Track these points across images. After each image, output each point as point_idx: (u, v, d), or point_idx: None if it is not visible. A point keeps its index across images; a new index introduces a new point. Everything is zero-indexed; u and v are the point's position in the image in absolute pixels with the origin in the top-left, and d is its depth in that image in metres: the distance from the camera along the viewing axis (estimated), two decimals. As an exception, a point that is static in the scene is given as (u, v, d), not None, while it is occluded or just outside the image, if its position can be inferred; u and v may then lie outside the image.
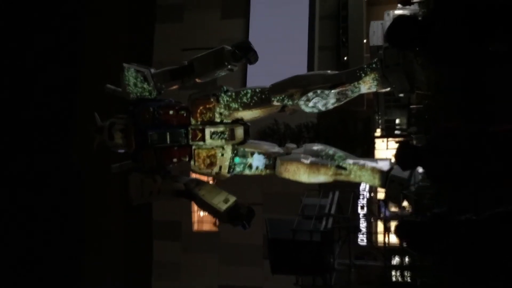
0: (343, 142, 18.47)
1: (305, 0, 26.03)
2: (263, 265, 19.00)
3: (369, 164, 8.06)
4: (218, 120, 8.25)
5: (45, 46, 26.51)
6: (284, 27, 25.54)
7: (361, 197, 18.82)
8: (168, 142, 8.29)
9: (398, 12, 23.12)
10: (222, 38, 23.59)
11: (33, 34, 26.38)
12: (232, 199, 8.36)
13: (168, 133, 8.26)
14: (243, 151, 8.31)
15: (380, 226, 18.50)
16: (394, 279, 12.69)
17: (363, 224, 18.03)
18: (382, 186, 7.97)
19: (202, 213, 25.41)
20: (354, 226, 13.55)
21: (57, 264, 25.19)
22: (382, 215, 17.30)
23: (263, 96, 8.10)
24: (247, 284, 24.01)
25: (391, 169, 7.84)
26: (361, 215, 18.30)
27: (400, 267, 12.89)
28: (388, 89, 7.66)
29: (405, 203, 10.30)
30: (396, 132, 25.02)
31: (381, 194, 18.29)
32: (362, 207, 19.25)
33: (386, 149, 23.77)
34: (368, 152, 21.30)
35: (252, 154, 8.28)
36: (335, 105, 7.87)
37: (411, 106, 20.56)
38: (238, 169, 8.40)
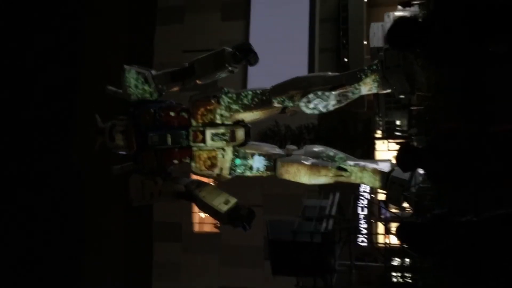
0: (343, 143, 18.48)
1: (305, 2, 26.07)
2: (263, 267, 19.00)
3: (370, 165, 8.07)
4: (219, 121, 8.27)
5: (46, 47, 26.53)
6: (284, 29, 25.56)
7: (361, 198, 18.84)
8: (169, 143, 8.31)
9: (398, 13, 23.13)
10: (223, 39, 23.63)
11: (34, 35, 26.42)
12: (233, 200, 8.38)
13: (168, 135, 8.28)
14: (244, 152, 8.32)
15: (381, 227, 18.51)
16: (394, 280, 12.68)
17: (363, 225, 18.04)
18: (382, 187, 7.99)
19: (202, 215, 25.41)
20: (354, 227, 13.55)
21: (57, 264, 25.19)
22: (382, 216, 17.29)
23: (264, 98, 8.12)
24: (247, 286, 23.99)
25: (391, 170, 7.86)
26: (361, 216, 18.31)
27: (401, 268, 12.89)
28: (389, 90, 7.68)
29: (405, 205, 10.30)
30: (397, 133, 25.03)
31: (381, 195, 18.29)
32: (363, 209, 19.26)
33: (386, 151, 23.79)
34: (368, 153, 21.30)
35: (253, 155, 8.30)
36: (336, 106, 7.89)
37: (411, 108, 20.56)
38: (238, 170, 8.41)
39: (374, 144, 23.45)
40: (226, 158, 8.29)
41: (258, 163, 8.30)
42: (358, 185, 15.07)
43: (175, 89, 8.74)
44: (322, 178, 8.13)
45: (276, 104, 8.12)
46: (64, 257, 25.53)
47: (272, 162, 8.27)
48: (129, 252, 26.62)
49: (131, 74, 8.42)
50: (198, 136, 8.29)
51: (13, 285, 24.94)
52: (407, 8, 21.34)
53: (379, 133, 25.31)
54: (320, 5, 26.18)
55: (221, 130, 8.21)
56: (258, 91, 8.19)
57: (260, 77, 16.44)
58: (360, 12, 25.85)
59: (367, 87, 7.62)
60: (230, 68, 8.11)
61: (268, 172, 8.37)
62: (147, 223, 26.03)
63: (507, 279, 4.17)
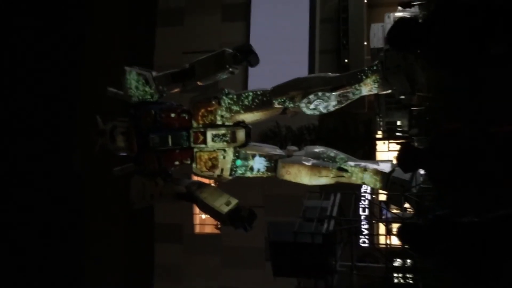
0: (344, 144, 18.48)
1: (305, 3, 26.08)
2: (264, 268, 18.98)
3: (371, 166, 8.08)
4: (219, 122, 8.28)
5: (46, 49, 26.58)
6: (284, 30, 25.57)
7: (362, 199, 18.82)
8: (170, 145, 8.32)
9: (398, 14, 23.15)
10: (223, 41, 23.66)
11: (35, 37, 26.47)
12: (234, 201, 8.39)
13: (169, 136, 8.29)
14: (245, 153, 8.33)
15: (382, 228, 18.47)
16: (396, 281, 12.68)
17: (364, 226, 18.04)
18: (383, 188, 7.99)
19: (203, 216, 25.42)
20: (355, 228, 13.54)
21: (58, 265, 25.18)
22: (383, 217, 17.28)
23: (265, 99, 8.13)
24: (248, 287, 23.99)
25: (392, 171, 7.86)
26: (362, 217, 18.30)
27: (402, 269, 12.89)
28: (389, 91, 7.69)
29: (406, 205, 10.31)
30: (397, 134, 25.03)
31: (382, 196, 18.28)
32: (364, 209, 19.24)
33: (387, 151, 23.79)
34: (369, 154, 21.28)
35: (254, 156, 8.30)
36: (336, 107, 7.90)
37: (412, 108, 20.56)
38: (239, 171, 8.42)
39: (374, 144, 23.44)
40: (227, 159, 8.29)
41: (258, 164, 8.30)
42: (359, 186, 15.07)
43: (176, 90, 8.75)
44: (323, 179, 8.14)
45: (276, 105, 8.12)
46: (64, 258, 25.53)
47: (273, 163, 8.28)
48: (130, 253, 26.62)
49: (132, 75, 8.43)
50: (199, 137, 8.30)
51: (13, 285, 24.93)
52: (407, 9, 21.36)
53: (379, 134, 25.30)
54: (320, 6, 26.20)
55: (222, 131, 8.22)
56: (258, 92, 8.20)
57: (260, 78, 16.43)
58: (360, 13, 25.86)
59: (368, 87, 7.63)
60: (230, 69, 8.12)
61: (269, 173, 8.37)
62: (148, 224, 26.02)
63: (507, 279, 4.17)
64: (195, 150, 8.41)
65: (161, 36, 27.91)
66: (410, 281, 12.51)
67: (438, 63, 4.66)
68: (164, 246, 26.42)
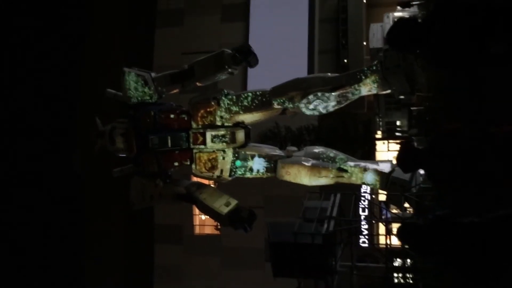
0: (344, 144, 18.47)
1: (304, 3, 26.09)
2: (264, 268, 18.98)
3: (370, 166, 8.07)
4: (219, 123, 8.27)
5: (46, 50, 26.59)
6: (284, 30, 25.58)
7: (362, 199, 18.82)
8: (169, 146, 8.31)
9: (397, 14, 23.18)
10: (222, 41, 23.68)
11: (35, 38, 26.47)
12: (234, 202, 8.38)
13: (169, 137, 8.28)
14: (244, 154, 8.32)
15: (382, 228, 18.46)
16: (396, 281, 12.68)
17: (364, 226, 18.03)
18: (383, 188, 7.99)
19: (203, 217, 25.41)
20: (355, 229, 13.53)
21: (58, 266, 25.19)
22: (383, 217, 17.27)
23: (264, 99, 8.13)
24: (248, 287, 23.98)
25: (392, 171, 7.85)
26: (362, 217, 18.30)
27: (402, 269, 12.89)
28: (389, 91, 7.68)
29: (406, 205, 10.29)
30: (397, 134, 25.04)
31: (382, 196, 18.28)
32: (364, 209, 19.25)
33: (387, 151, 23.80)
34: (369, 154, 21.28)
35: (253, 157, 8.29)
36: (336, 107, 7.89)
37: (411, 108, 20.57)
38: (239, 172, 8.41)
39: (374, 144, 23.44)
40: (226, 160, 8.29)
41: (258, 165, 8.30)
42: (359, 186, 15.05)
43: (175, 91, 8.74)
44: (323, 179, 8.13)
45: (276, 106, 8.12)
46: (64, 258, 25.53)
47: (273, 163, 8.27)
48: (130, 254, 26.62)
49: (131, 76, 8.42)
50: (199, 138, 8.30)
51: (13, 285, 24.92)
52: (407, 9, 21.39)
53: (379, 134, 25.31)
54: (320, 6, 26.21)
55: (221, 132, 8.21)
56: (258, 93, 8.19)
57: (260, 79, 16.44)
58: (359, 13, 25.87)
59: (367, 87, 7.62)
60: (229, 70, 8.11)
61: (269, 174, 8.36)
62: (148, 225, 26.01)
63: (507, 279, 4.17)
64: (195, 151, 8.40)
65: (160, 37, 27.92)
66: (410, 281, 12.50)
67: (438, 63, 4.65)
68: (164, 247, 26.42)
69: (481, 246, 4.13)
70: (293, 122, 19.59)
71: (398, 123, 25.52)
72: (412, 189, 8.29)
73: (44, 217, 25.58)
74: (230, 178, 8.51)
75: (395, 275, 12.77)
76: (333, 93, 7.66)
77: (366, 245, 17.22)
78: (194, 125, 8.38)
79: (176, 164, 8.46)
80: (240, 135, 8.30)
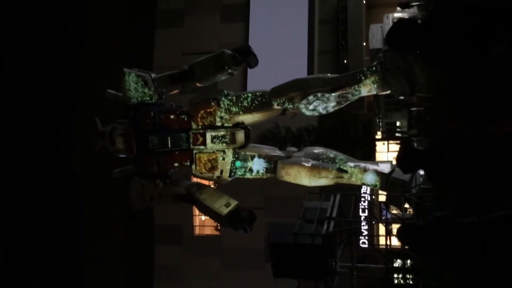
0: (344, 145, 18.47)
1: (304, 4, 26.08)
2: (264, 269, 18.97)
3: (370, 166, 8.08)
4: (219, 124, 8.28)
5: (46, 50, 26.60)
6: (283, 31, 25.58)
7: (362, 199, 18.80)
8: (169, 146, 8.32)
9: (397, 15, 23.16)
10: (222, 42, 23.67)
11: (35, 37, 26.48)
12: (234, 203, 8.38)
13: (169, 138, 8.30)
14: (244, 155, 8.33)
15: (382, 228, 18.46)
16: (396, 281, 12.67)
17: (364, 227, 18.01)
18: (383, 188, 8.00)
19: (203, 217, 25.41)
20: (355, 229, 13.52)
21: (57, 266, 25.17)
22: (383, 218, 17.27)
23: (264, 100, 8.14)
24: (248, 288, 24.00)
25: (392, 171, 7.87)
26: (362, 218, 18.28)
27: (402, 269, 12.88)
28: (388, 91, 7.69)
29: (406, 205, 10.29)
30: (397, 134, 25.03)
31: (382, 196, 18.27)
32: (364, 210, 19.22)
33: (387, 152, 23.78)
34: (369, 154, 21.26)
35: (253, 158, 8.30)
36: (336, 108, 7.90)
37: (411, 109, 20.56)
38: (239, 172, 8.42)
39: (374, 145, 23.42)
40: (226, 161, 8.29)
41: (257, 165, 8.31)
42: (359, 187, 15.04)
43: (175, 91, 8.75)
44: (323, 180, 8.14)
45: (276, 106, 8.12)
46: (64, 258, 25.51)
47: (272, 164, 8.28)
48: (130, 254, 26.61)
49: (131, 77, 8.43)
50: (199, 139, 8.31)
51: (13, 285, 24.90)
52: (406, 10, 21.39)
53: (379, 135, 25.30)
54: (319, 7, 26.20)
55: (221, 133, 8.22)
56: (258, 93, 8.21)
57: (260, 80, 16.44)
58: (359, 14, 25.86)
59: (367, 88, 7.63)
60: (229, 70, 8.12)
61: (268, 174, 8.38)
62: (148, 225, 26.00)
63: (507, 280, 4.17)
64: (195, 151, 8.41)
65: (160, 37, 27.91)
66: (410, 282, 12.50)
67: (437, 64, 4.66)
68: (164, 247, 26.40)
69: (481, 247, 4.14)
70: (293, 122, 19.57)
71: (398, 123, 25.52)
72: (412, 189, 8.30)
73: (44, 217, 25.57)
74: (230, 179, 8.51)
75: (395, 275, 12.76)
76: (333, 94, 7.67)
77: (366, 245, 17.18)
78: (194, 126, 8.39)
79: (176, 164, 8.47)
80: (240, 135, 8.31)
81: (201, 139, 8.28)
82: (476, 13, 4.03)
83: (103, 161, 9.59)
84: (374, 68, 7.51)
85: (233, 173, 8.42)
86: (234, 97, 8.26)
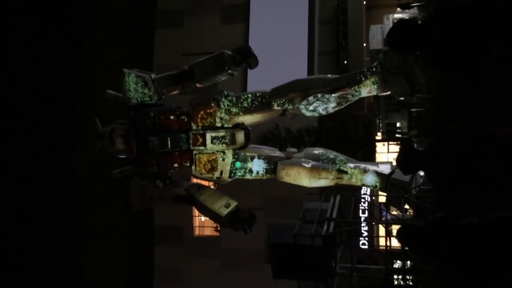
0: (344, 145, 18.45)
1: (304, 5, 26.09)
2: (264, 270, 18.96)
3: (370, 167, 8.08)
4: (219, 124, 8.28)
5: (46, 50, 26.60)
6: (284, 32, 25.58)
7: (362, 200, 18.79)
8: (169, 147, 8.32)
9: (397, 15, 23.17)
10: (222, 43, 23.65)
11: (35, 37, 26.47)
12: (233, 203, 8.38)
13: (169, 138, 8.30)
14: (244, 155, 8.33)
15: (382, 229, 18.45)
16: (396, 282, 12.65)
17: (364, 228, 18.00)
18: (383, 189, 7.99)
19: (203, 218, 25.40)
20: (355, 230, 13.51)
21: (57, 267, 25.13)
22: (383, 219, 17.26)
23: (264, 101, 8.14)
24: (248, 289, 23.98)
25: (392, 172, 7.86)
26: (362, 219, 18.26)
27: (402, 270, 12.85)
28: (389, 92, 7.69)
29: (406, 206, 10.29)
30: (397, 135, 25.02)
31: (382, 197, 18.25)
32: (364, 211, 19.21)
33: (387, 153, 23.78)
34: (369, 155, 21.25)
35: (252, 158, 8.30)
36: (336, 109, 7.90)
37: (411, 109, 20.55)
38: (239, 173, 8.42)
39: (374, 146, 23.42)
40: (226, 161, 8.29)
41: (257, 166, 8.31)
42: (359, 188, 15.05)
43: (175, 92, 8.74)
44: (323, 181, 8.14)
45: (276, 107, 8.13)
46: (64, 258, 25.49)
47: (272, 165, 8.28)
48: (130, 255, 26.59)
49: (131, 78, 8.43)
50: (198, 140, 8.31)
51: (13, 285, 24.88)
52: (406, 10, 21.40)
53: (379, 135, 25.29)
54: (319, 7, 26.21)
55: (221, 133, 8.22)
56: (258, 94, 8.20)
57: (260, 80, 16.44)
58: (359, 15, 25.87)
59: (367, 89, 7.63)
60: (229, 71, 8.13)
61: (268, 175, 8.37)
62: (148, 226, 25.99)
63: (507, 280, 4.16)
64: (195, 152, 8.41)
65: (160, 38, 27.91)
66: (410, 283, 12.48)
67: (437, 64, 4.65)
68: (164, 248, 26.39)
69: (481, 247, 4.13)
70: (293, 123, 19.57)
71: (398, 124, 25.50)
72: (412, 190, 8.30)
73: (44, 217, 25.55)
74: (229, 180, 8.51)
75: (395, 277, 12.74)
76: (333, 95, 7.67)
77: (366, 246, 17.16)
78: (194, 126, 8.39)
79: (176, 165, 8.46)
80: (240, 136, 8.31)
81: (201, 139, 8.28)
82: (475, 14, 4.03)
83: (103, 161, 9.58)
84: (374, 69, 7.51)
85: (233, 174, 8.41)
86: (234, 98, 8.25)
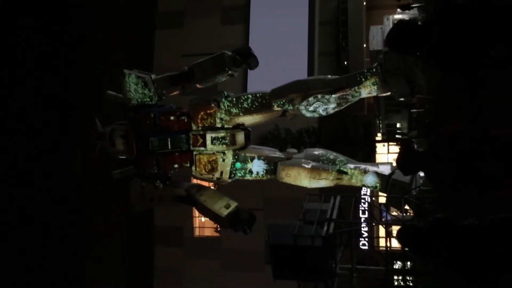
0: (344, 146, 18.45)
1: (304, 6, 26.09)
2: (264, 270, 18.96)
3: (370, 168, 8.08)
4: (219, 125, 8.28)
5: (47, 50, 26.60)
6: (284, 32, 25.58)
7: (362, 201, 18.79)
8: (169, 147, 8.31)
9: (397, 16, 23.18)
10: (222, 44, 23.65)
11: (35, 37, 26.48)
12: (234, 204, 8.38)
13: (169, 139, 8.29)
14: (244, 156, 8.33)
15: (382, 230, 18.45)
16: (396, 283, 12.65)
17: (364, 229, 18.00)
18: (383, 190, 7.99)
19: (203, 219, 25.40)
20: (355, 231, 13.51)
21: (57, 268, 25.13)
22: (383, 219, 17.25)
23: (264, 101, 8.14)
24: (248, 290, 23.97)
25: (392, 173, 7.86)
26: (362, 220, 18.26)
27: (402, 271, 12.85)
28: (389, 93, 7.70)
29: (406, 207, 10.29)
30: (397, 136, 25.02)
31: (382, 198, 18.26)
32: (364, 212, 19.21)
33: (387, 153, 23.79)
34: (369, 156, 21.25)
35: (252, 159, 8.30)
36: (336, 109, 7.90)
37: (412, 110, 20.56)
38: (239, 174, 8.42)
39: (374, 147, 23.42)
40: (226, 162, 8.29)
41: (257, 167, 8.31)
42: (359, 188, 15.06)
43: (175, 93, 8.75)
44: (323, 181, 8.14)
45: (276, 108, 8.13)
46: (64, 258, 25.49)
47: (272, 165, 8.28)
48: (130, 255, 26.58)
49: (131, 78, 8.43)
50: (198, 140, 8.30)
51: (13, 285, 24.88)
52: (407, 11, 21.41)
53: (379, 136, 25.30)
54: (320, 8, 26.21)
55: (221, 134, 8.22)
56: (258, 95, 8.21)
57: (260, 81, 16.45)
58: (359, 15, 25.88)
59: (367, 90, 7.64)
60: (230, 72, 8.13)
61: (268, 176, 8.38)
62: (148, 227, 25.99)
63: (507, 281, 4.17)
64: (195, 153, 8.40)
65: (160, 38, 27.91)
66: (410, 284, 12.48)
67: (438, 65, 4.65)
68: (164, 249, 26.39)
69: (481, 248, 4.13)
70: (293, 124, 19.58)
71: (398, 125, 25.50)
72: (412, 191, 8.30)
73: (44, 217, 25.55)
74: (230, 180, 8.51)
75: (395, 277, 12.74)
76: (333, 95, 7.67)
77: (366, 247, 17.17)
78: (194, 127, 8.39)
79: (176, 166, 8.46)
80: (240, 137, 8.31)
81: (201, 140, 8.28)
82: (476, 15, 4.03)
83: (103, 162, 9.58)
84: (374, 70, 7.52)
85: (233, 175, 8.41)
86: (234, 99, 8.26)
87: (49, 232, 25.51)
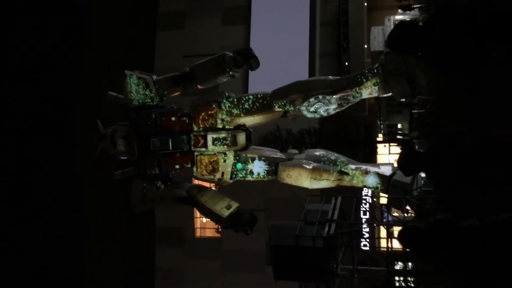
0: (345, 147, 18.44)
1: (305, 7, 26.10)
2: (265, 271, 18.95)
3: (371, 169, 8.08)
4: (220, 126, 8.29)
5: (46, 50, 26.61)
6: (285, 33, 25.59)
7: (363, 202, 18.78)
8: (170, 148, 8.32)
9: (398, 17, 23.18)
10: (223, 44, 23.66)
11: (35, 37, 26.50)
12: (235, 205, 8.39)
13: (170, 140, 8.30)
14: (245, 157, 8.33)
15: (383, 231, 18.44)
16: (397, 284, 12.65)
17: (365, 229, 17.99)
18: (384, 191, 7.99)
19: (204, 219, 25.39)
20: (356, 232, 13.51)
21: (58, 268, 25.13)
22: (384, 220, 17.25)
23: (265, 102, 8.15)
24: (249, 290, 23.96)
25: (393, 174, 7.86)
26: (363, 220, 18.25)
27: (403, 272, 12.85)
28: (390, 94, 7.70)
29: (407, 208, 10.29)
30: (398, 137, 25.00)
31: (383, 199, 18.25)
32: (365, 212, 19.20)
33: (388, 154, 23.78)
34: (370, 157, 21.24)
35: (253, 160, 8.31)
36: (337, 110, 7.90)
37: (413, 111, 20.56)
38: (240, 175, 8.42)
39: (375, 147, 23.41)
40: (227, 163, 8.30)
41: (258, 168, 8.31)
42: (360, 189, 15.06)
43: (176, 94, 8.76)
44: (324, 182, 8.14)
45: (277, 108, 8.14)
46: (64, 258, 25.48)
47: (273, 166, 8.28)
48: (131, 256, 26.58)
49: (133, 79, 8.44)
50: (200, 141, 8.31)
51: (13, 285, 24.88)
52: (408, 12, 21.42)
53: (380, 137, 25.28)
54: (321, 9, 26.22)
55: (223, 135, 8.22)
56: (259, 95, 8.21)
57: (261, 82, 16.46)
58: (360, 16, 25.88)
59: (368, 90, 7.64)
60: (231, 72, 8.14)
61: (270, 176, 8.38)
62: (149, 227, 25.99)
63: (507, 282, 4.17)
64: (196, 153, 8.41)
65: (161, 40, 27.93)
66: (412, 285, 12.47)
67: (438, 66, 4.66)
68: (165, 249, 26.39)
69: (482, 249, 4.13)
70: (294, 125, 19.57)
71: (399, 126, 25.48)
72: (413, 192, 8.30)
73: (44, 217, 25.56)
74: (231, 181, 8.51)
75: (396, 278, 12.73)
76: (334, 96, 7.68)
77: (367, 248, 17.18)
78: (195, 128, 8.39)
79: (177, 166, 8.47)
80: (241, 137, 8.32)
81: (202, 141, 8.28)
82: (476, 16, 4.04)
83: (104, 162, 9.59)
84: (375, 70, 7.52)
85: (234, 175, 8.42)
86: (235, 99, 8.26)
87: (49, 232, 25.51)
